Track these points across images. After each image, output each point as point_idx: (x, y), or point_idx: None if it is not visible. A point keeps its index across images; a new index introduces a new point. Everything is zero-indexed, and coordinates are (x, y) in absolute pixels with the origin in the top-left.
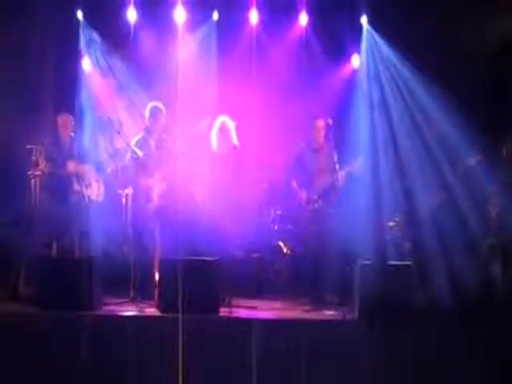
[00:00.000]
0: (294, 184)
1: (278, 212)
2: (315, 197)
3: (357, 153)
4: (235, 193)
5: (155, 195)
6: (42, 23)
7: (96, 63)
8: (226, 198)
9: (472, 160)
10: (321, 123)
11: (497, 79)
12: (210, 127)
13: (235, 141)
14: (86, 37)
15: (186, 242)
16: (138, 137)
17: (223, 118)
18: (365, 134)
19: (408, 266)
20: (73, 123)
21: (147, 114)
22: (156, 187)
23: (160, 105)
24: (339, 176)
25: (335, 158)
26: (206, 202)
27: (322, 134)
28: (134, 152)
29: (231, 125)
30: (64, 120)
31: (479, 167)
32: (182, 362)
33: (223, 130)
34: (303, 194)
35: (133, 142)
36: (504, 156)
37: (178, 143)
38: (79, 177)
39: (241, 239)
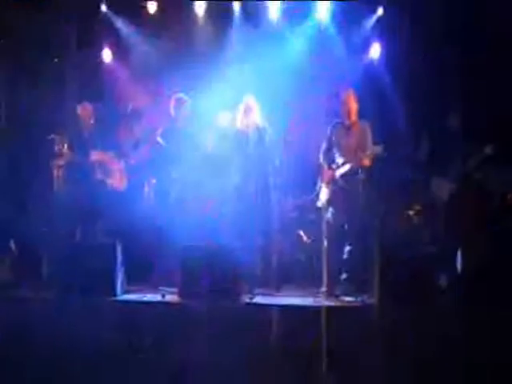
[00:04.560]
0: (324, 165)
1: (299, 201)
2: (338, 177)
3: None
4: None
5: (178, 184)
6: (65, 13)
7: (119, 53)
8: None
9: (488, 149)
10: (349, 94)
11: None
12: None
13: (260, 121)
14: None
15: (207, 229)
16: (163, 127)
17: (248, 98)
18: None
19: (428, 251)
20: (95, 113)
21: (172, 105)
22: (178, 177)
23: (184, 96)
24: (365, 157)
25: (368, 138)
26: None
27: (353, 107)
28: (158, 142)
29: (256, 104)
30: (86, 109)
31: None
32: (203, 348)
33: (248, 109)
34: (329, 174)
35: (158, 133)
36: None
37: (201, 134)
38: (102, 166)
39: (261, 227)
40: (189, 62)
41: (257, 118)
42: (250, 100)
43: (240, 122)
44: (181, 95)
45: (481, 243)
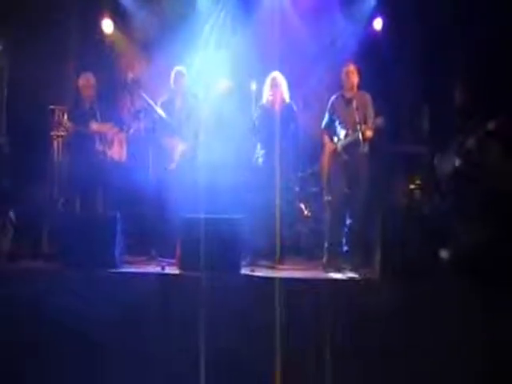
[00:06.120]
0: (325, 136)
1: (300, 174)
2: (341, 149)
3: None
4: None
5: (176, 155)
6: None
7: (119, 23)
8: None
9: (492, 125)
10: (350, 68)
11: None
12: (226, 90)
13: (286, 96)
14: None
15: (207, 200)
16: (163, 98)
17: (275, 74)
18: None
19: (428, 226)
20: (95, 83)
21: (172, 77)
22: (178, 147)
23: (183, 68)
24: (367, 129)
25: (369, 109)
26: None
27: (354, 80)
28: (158, 113)
29: (283, 80)
30: (86, 80)
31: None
32: (203, 320)
33: (274, 85)
34: (331, 147)
35: (158, 103)
36: None
37: (202, 104)
38: (102, 136)
39: (261, 199)
40: (190, 32)
41: (284, 94)
42: (277, 75)
43: (265, 98)
44: (180, 68)
45: (484, 219)
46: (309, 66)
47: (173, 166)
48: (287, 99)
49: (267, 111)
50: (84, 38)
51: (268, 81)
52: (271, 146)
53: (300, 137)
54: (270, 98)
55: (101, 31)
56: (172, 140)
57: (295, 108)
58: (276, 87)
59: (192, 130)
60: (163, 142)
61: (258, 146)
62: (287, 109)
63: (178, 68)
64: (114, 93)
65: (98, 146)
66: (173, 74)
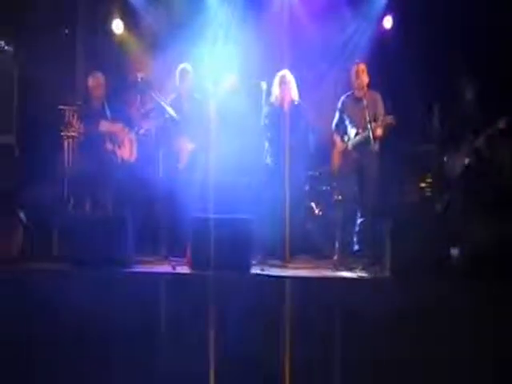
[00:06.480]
0: (335, 135)
1: (310, 172)
2: (351, 148)
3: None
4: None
5: (184, 155)
6: None
7: (130, 23)
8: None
9: (502, 123)
10: (360, 67)
11: None
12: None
13: (295, 95)
14: None
15: (216, 200)
16: (171, 98)
17: (284, 72)
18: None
19: (439, 224)
20: (104, 83)
21: (177, 75)
22: (185, 147)
23: (188, 66)
24: (377, 127)
25: (379, 108)
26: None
27: (364, 80)
28: (168, 112)
29: (292, 78)
30: (96, 80)
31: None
32: (214, 319)
33: (283, 82)
34: (342, 146)
35: (167, 103)
36: None
37: (209, 103)
38: (112, 136)
39: (271, 198)
40: (199, 30)
41: (293, 92)
42: (286, 73)
43: (274, 96)
44: (184, 65)
45: (493, 218)
46: (319, 64)
47: (181, 165)
48: (296, 97)
49: (276, 109)
50: (94, 38)
51: (277, 79)
52: (280, 145)
53: (310, 135)
54: (279, 95)
55: (111, 31)
56: (180, 139)
57: (305, 106)
58: (285, 85)
59: (200, 129)
60: (173, 142)
61: (267, 144)
62: (296, 107)
63: (182, 65)
64: (124, 93)
65: (108, 146)
66: (177, 72)
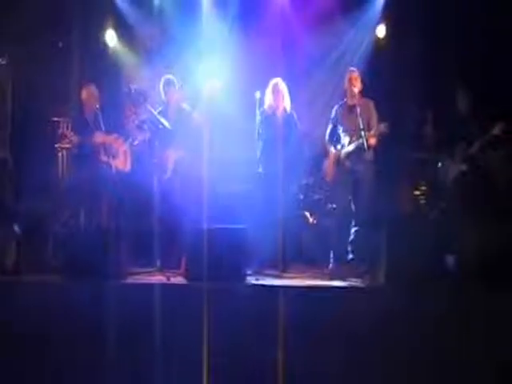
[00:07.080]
0: (329, 145)
1: (304, 181)
2: (344, 156)
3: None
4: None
5: (170, 165)
6: None
7: (123, 35)
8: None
9: (496, 129)
10: (353, 75)
11: None
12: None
13: (288, 104)
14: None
15: (210, 210)
16: (159, 109)
17: (276, 80)
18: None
19: (433, 232)
20: (98, 94)
21: (160, 88)
22: (171, 157)
23: (171, 77)
24: (370, 136)
25: (373, 116)
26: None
27: (357, 87)
28: (161, 123)
29: (285, 87)
30: (89, 91)
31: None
32: (209, 330)
33: (276, 91)
34: (335, 154)
35: (157, 114)
36: None
37: (196, 112)
38: (106, 147)
39: (265, 207)
40: (192, 42)
41: (286, 101)
42: (279, 82)
43: (267, 104)
44: (169, 76)
45: (487, 225)
46: (313, 73)
47: (168, 175)
48: (288, 107)
49: (269, 117)
50: (87, 50)
51: (270, 87)
52: (274, 153)
53: (302, 144)
54: (272, 104)
55: (104, 43)
56: (167, 150)
57: (295, 116)
58: (278, 93)
59: (189, 140)
60: (161, 153)
61: (259, 153)
62: (288, 117)
63: (165, 77)
64: (118, 104)
65: (103, 157)
66: (161, 85)
